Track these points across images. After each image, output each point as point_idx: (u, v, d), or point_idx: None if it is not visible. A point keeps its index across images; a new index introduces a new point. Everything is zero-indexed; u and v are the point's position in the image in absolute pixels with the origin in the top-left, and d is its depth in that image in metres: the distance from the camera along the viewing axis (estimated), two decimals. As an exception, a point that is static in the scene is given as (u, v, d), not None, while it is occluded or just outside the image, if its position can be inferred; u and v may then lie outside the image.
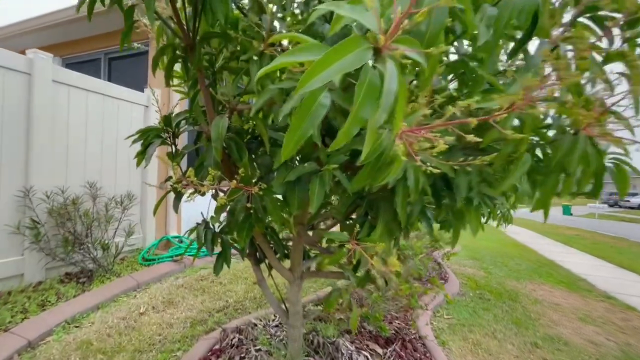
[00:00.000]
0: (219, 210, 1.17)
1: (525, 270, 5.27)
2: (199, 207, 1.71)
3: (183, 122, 1.46)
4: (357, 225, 1.26)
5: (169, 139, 1.40)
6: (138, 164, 1.41)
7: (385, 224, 1.13)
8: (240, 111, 1.16)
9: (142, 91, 3.87)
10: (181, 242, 4.11)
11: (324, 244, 1.56)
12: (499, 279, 4.63)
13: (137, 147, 1.36)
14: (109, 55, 4.75)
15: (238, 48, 1.11)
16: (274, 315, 2.46)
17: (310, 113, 0.55)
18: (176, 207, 1.33)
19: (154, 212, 1.40)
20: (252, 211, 1.15)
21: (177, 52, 1.09)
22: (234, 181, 0.98)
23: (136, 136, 1.39)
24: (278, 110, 0.90)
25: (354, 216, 1.39)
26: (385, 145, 0.69)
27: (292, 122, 0.55)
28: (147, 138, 1.34)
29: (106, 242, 3.03)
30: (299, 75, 0.83)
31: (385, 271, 1.26)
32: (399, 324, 2.64)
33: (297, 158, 1.19)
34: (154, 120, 3.52)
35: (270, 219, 1.18)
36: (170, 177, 1.39)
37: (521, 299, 3.94)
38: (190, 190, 1.00)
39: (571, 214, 21.03)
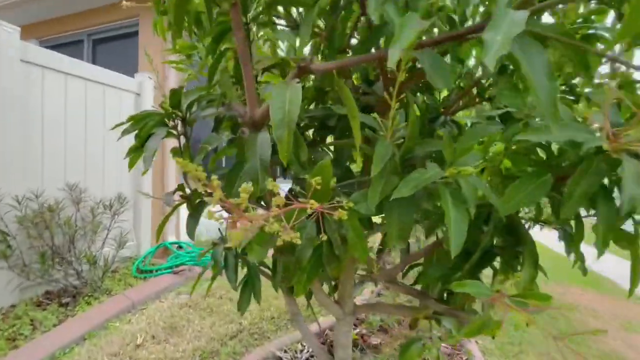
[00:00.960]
0: (263, 242, 0.73)
1: (547, 270, 4.99)
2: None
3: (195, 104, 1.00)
4: (471, 261, 0.84)
5: (176, 129, 0.94)
6: (130, 167, 0.95)
7: (534, 264, 0.72)
8: (310, 73, 0.71)
9: (133, 76, 3.35)
10: (180, 248, 3.64)
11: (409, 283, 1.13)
12: (525, 281, 4.34)
13: (128, 140, 0.90)
14: (93, 36, 4.17)
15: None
16: (301, 344, 2.04)
17: None
18: (192, 232, 0.88)
19: (157, 238, 0.95)
20: (323, 245, 0.71)
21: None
22: (310, 199, 0.54)
23: (127, 124, 0.93)
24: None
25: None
26: None
27: None
28: (145, 127, 0.88)
29: (93, 254, 2.55)
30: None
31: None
32: (446, 347, 2.25)
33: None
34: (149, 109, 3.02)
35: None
36: (182, 186, 0.94)
37: (558, 306, 3.64)
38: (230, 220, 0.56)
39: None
